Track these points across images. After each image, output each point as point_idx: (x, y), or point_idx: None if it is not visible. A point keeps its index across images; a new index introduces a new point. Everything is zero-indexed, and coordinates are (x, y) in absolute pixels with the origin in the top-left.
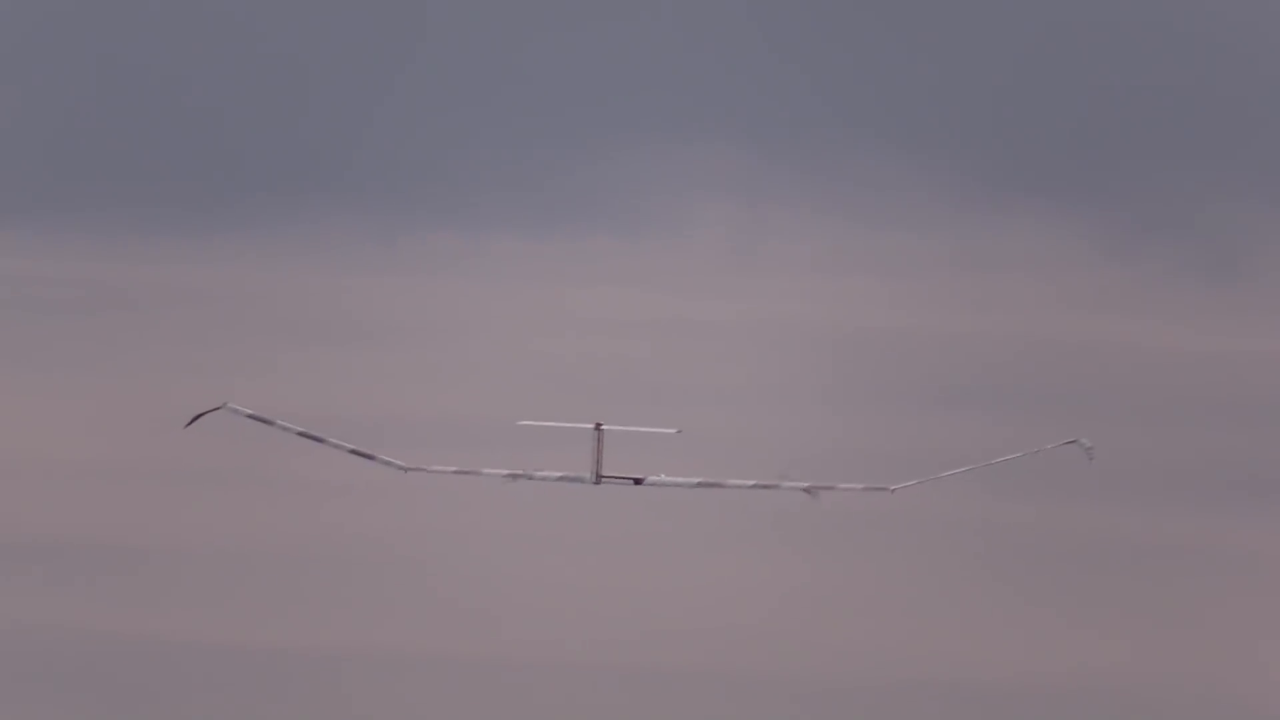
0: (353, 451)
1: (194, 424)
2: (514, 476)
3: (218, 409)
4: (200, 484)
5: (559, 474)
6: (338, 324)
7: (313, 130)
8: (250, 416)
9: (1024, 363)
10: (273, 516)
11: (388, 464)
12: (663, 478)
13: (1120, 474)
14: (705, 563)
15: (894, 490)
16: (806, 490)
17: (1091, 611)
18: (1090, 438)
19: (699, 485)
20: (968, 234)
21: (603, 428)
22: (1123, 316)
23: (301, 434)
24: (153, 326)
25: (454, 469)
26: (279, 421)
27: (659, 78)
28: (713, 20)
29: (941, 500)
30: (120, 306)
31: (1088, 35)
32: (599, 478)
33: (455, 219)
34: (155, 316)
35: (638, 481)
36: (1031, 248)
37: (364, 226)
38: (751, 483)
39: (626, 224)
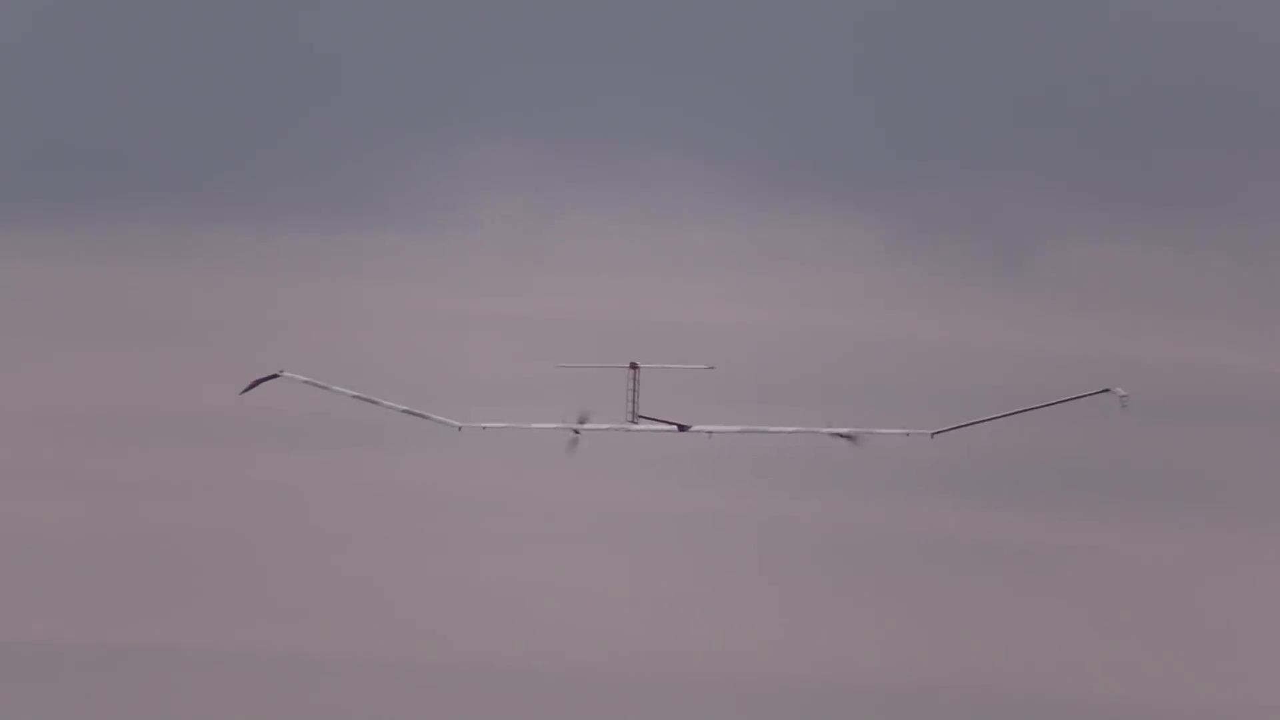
0: (406, 411)
1: (250, 390)
2: (569, 433)
3: (275, 376)
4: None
5: (605, 425)
6: (133, 320)
7: (100, 125)
8: (306, 382)
9: (818, 356)
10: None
11: (442, 423)
12: (709, 428)
13: (915, 468)
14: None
15: (935, 435)
16: (848, 436)
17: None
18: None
19: (743, 432)
20: (757, 230)
21: (638, 367)
22: (912, 311)
23: (356, 397)
24: None
25: (504, 424)
26: (335, 386)
27: (449, 73)
28: (503, 16)
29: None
30: None
31: (881, 33)
32: (636, 418)
33: (244, 213)
34: None
35: (682, 428)
36: (821, 244)
37: (151, 220)
38: (793, 429)
39: (413, 219)
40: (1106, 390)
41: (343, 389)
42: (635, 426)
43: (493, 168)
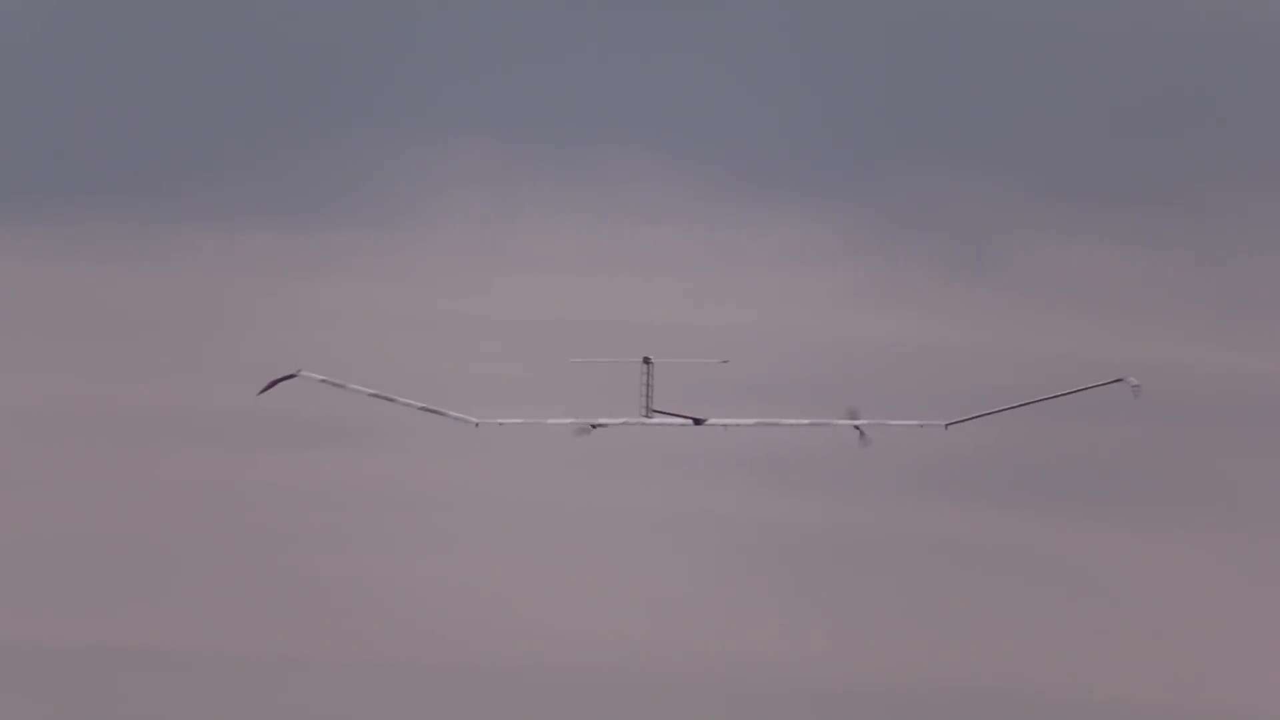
0: (423, 409)
1: (268, 391)
2: (581, 429)
3: (293, 376)
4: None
5: (621, 419)
6: (110, 321)
7: (63, 126)
8: (323, 381)
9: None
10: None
11: (459, 419)
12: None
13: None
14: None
15: (948, 426)
16: (858, 429)
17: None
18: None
19: (757, 425)
20: (722, 229)
21: (652, 361)
22: (876, 311)
23: (374, 395)
24: None
25: (520, 420)
26: (351, 385)
27: (413, 71)
28: (466, 13)
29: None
30: None
31: (838, 31)
32: (650, 412)
33: (207, 214)
34: None
35: (698, 422)
36: (785, 243)
37: (117, 222)
38: (808, 421)
39: (378, 218)
40: (1119, 380)
41: (359, 387)
42: (650, 420)
43: (478, 167)
